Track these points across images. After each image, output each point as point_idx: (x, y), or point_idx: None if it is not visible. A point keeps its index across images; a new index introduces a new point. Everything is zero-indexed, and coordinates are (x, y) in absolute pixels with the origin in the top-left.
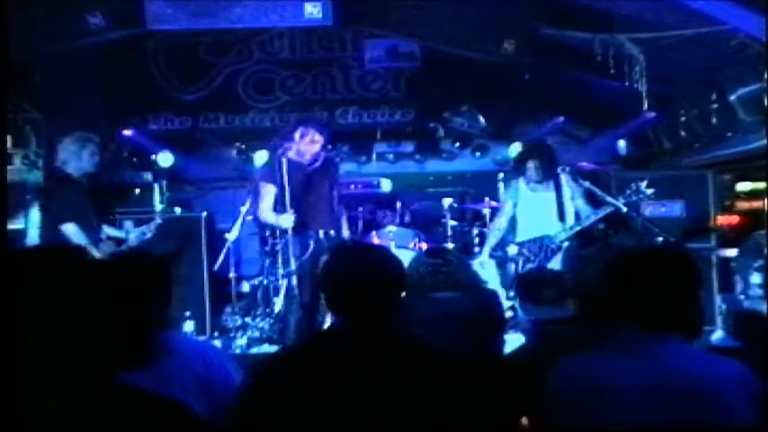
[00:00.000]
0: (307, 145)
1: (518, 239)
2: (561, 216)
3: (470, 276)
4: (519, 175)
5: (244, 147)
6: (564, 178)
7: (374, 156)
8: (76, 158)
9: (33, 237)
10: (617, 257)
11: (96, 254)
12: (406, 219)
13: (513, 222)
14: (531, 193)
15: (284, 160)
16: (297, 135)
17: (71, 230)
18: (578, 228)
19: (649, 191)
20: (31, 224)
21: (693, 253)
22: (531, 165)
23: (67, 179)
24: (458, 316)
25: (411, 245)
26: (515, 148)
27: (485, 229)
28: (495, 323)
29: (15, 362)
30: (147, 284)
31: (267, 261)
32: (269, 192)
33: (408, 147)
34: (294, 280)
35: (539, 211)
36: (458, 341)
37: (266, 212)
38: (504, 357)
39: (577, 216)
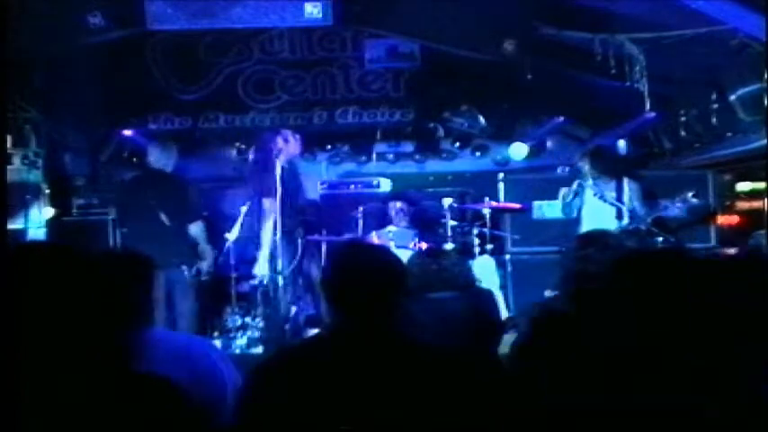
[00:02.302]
0: (294, 147)
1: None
2: (619, 215)
3: (466, 277)
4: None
5: (244, 147)
6: (625, 181)
7: (374, 156)
8: (173, 162)
9: (38, 235)
10: (617, 259)
11: (210, 252)
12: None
13: (578, 219)
14: (595, 191)
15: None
16: (280, 141)
17: (199, 229)
18: (635, 226)
19: (695, 200)
20: (31, 224)
21: (693, 253)
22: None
23: (182, 180)
24: (453, 316)
25: (411, 245)
26: (517, 149)
27: (485, 229)
28: (490, 323)
29: (8, 356)
30: (137, 283)
31: None
32: (274, 207)
33: (408, 147)
34: (281, 281)
35: (600, 210)
36: (453, 341)
37: (265, 233)
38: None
39: (633, 215)
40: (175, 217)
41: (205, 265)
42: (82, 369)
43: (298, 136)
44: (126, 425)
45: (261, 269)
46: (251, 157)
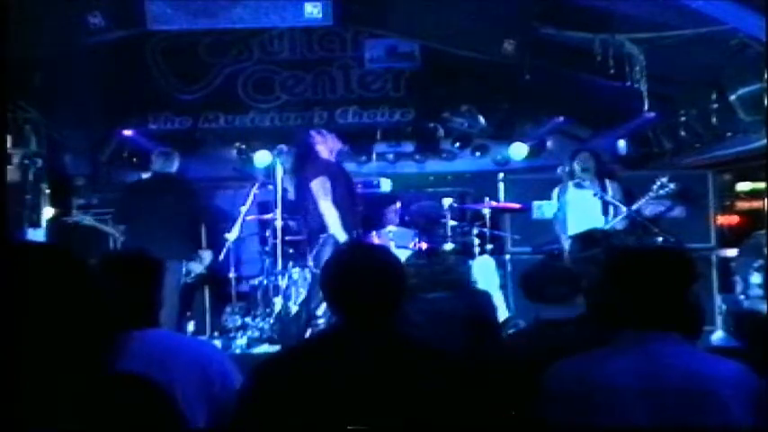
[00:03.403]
0: (333, 142)
1: (569, 233)
2: (605, 211)
3: (463, 277)
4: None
5: (244, 147)
6: (607, 181)
7: (374, 156)
8: (176, 166)
9: (38, 235)
10: (615, 258)
11: (208, 255)
12: (406, 219)
13: (564, 218)
14: (579, 191)
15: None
16: (318, 137)
17: (203, 232)
18: (622, 219)
19: (672, 185)
20: (31, 224)
21: (693, 253)
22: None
23: (190, 184)
24: (448, 316)
25: (411, 245)
26: (517, 149)
27: (485, 229)
28: (486, 323)
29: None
30: (141, 283)
31: (267, 261)
32: (327, 185)
33: (408, 147)
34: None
35: (586, 208)
36: (450, 342)
37: (328, 207)
38: (503, 350)
39: (616, 211)
40: (181, 218)
41: (199, 268)
42: (61, 369)
43: (333, 134)
44: (104, 423)
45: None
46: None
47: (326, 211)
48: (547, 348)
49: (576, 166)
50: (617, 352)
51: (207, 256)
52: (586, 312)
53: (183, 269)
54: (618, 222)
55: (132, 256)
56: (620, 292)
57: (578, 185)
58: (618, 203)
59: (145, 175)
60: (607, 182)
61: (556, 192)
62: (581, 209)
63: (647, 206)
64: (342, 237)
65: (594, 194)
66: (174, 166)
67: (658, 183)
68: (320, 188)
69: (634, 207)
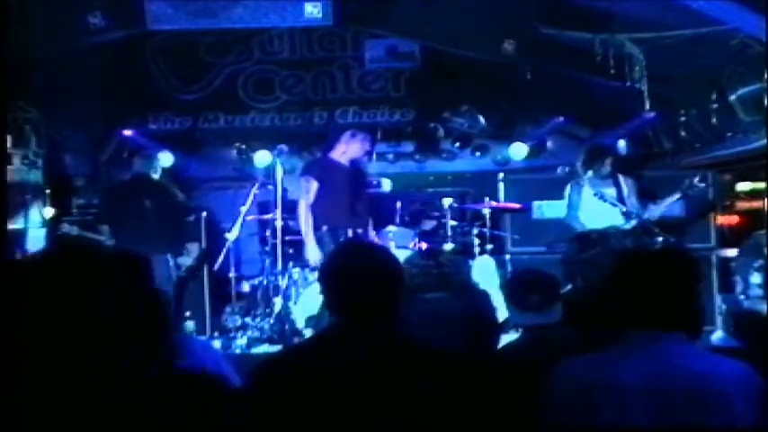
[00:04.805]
0: (356, 147)
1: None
2: (622, 213)
3: (462, 278)
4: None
5: (244, 147)
6: (621, 177)
7: (374, 156)
8: (157, 166)
9: (38, 235)
10: (618, 259)
11: (195, 249)
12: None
13: (579, 217)
14: (594, 190)
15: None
16: (347, 136)
17: (190, 225)
18: (644, 218)
19: (702, 185)
20: (31, 224)
21: (693, 252)
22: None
23: (167, 182)
24: (446, 317)
25: (411, 245)
26: (517, 149)
27: (485, 230)
28: (484, 324)
29: (14, 362)
30: (125, 282)
31: (267, 261)
32: (310, 186)
33: (408, 147)
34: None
35: (605, 207)
36: (448, 342)
37: (302, 207)
38: (496, 354)
39: (630, 213)
40: (161, 215)
41: (188, 260)
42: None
43: (366, 140)
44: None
45: (313, 255)
46: None
47: (300, 210)
48: (537, 346)
49: (604, 170)
50: (622, 352)
51: (194, 248)
52: (561, 319)
53: (171, 262)
54: (634, 222)
55: (113, 256)
56: (625, 292)
57: (593, 185)
58: (617, 202)
59: (125, 178)
60: (621, 178)
61: (568, 190)
62: (600, 208)
63: (650, 208)
64: (308, 239)
65: (594, 194)
66: (153, 168)
67: (687, 182)
68: (300, 187)
69: (665, 205)
